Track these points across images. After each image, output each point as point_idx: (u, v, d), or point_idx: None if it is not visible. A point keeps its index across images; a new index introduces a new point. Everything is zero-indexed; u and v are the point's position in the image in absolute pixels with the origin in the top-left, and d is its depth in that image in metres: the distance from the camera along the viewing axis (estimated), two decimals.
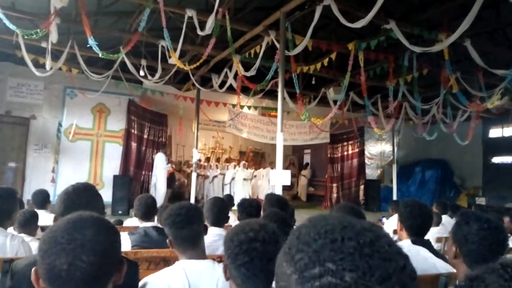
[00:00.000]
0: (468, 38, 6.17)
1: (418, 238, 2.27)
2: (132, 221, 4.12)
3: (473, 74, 7.88)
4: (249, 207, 2.91)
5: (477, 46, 6.35)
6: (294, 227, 3.04)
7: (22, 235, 2.84)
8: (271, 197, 3.29)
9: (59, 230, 0.92)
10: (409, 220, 2.30)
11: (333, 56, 7.33)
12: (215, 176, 12.00)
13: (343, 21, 5.30)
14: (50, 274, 0.87)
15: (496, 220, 1.64)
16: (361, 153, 12.60)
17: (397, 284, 0.47)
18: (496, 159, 12.30)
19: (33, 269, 0.91)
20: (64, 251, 0.88)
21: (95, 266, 0.89)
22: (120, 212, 8.87)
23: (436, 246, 3.97)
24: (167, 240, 1.78)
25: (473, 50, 6.22)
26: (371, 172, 13.08)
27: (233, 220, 3.46)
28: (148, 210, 3.00)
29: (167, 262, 2.31)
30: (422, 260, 2.11)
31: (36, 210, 3.50)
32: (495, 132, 12.45)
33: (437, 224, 4.52)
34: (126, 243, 2.66)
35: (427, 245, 2.33)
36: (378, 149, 13.34)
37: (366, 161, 12.89)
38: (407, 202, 2.41)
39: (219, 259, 2.06)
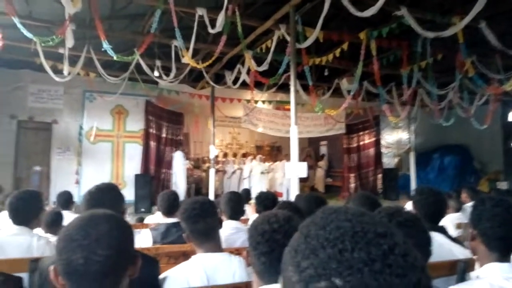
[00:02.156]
0: (483, 20, 6.04)
1: (433, 224, 2.27)
2: (153, 218, 4.24)
3: (490, 57, 7.70)
4: (266, 199, 2.99)
5: (493, 28, 6.18)
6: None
7: (48, 235, 2.98)
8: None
9: (74, 227, 0.97)
10: (424, 208, 2.31)
11: (345, 46, 7.28)
12: (233, 172, 12.12)
13: (352, 10, 5.27)
14: (67, 269, 0.92)
15: (509, 199, 1.65)
16: (378, 142, 12.49)
17: None
18: None
19: (50, 267, 0.96)
20: (80, 246, 0.93)
21: (110, 260, 0.94)
22: (142, 209, 9.08)
23: (456, 232, 3.95)
24: (183, 235, 1.84)
25: (488, 32, 6.07)
26: (389, 161, 12.96)
27: (249, 213, 3.55)
28: (170, 206, 3.02)
29: (187, 256, 2.39)
30: (438, 246, 2.06)
31: (61, 210, 3.66)
32: None
33: (457, 211, 4.48)
34: (148, 239, 2.74)
35: (442, 231, 2.35)
36: (395, 137, 13.19)
37: (383, 150, 12.77)
38: (422, 190, 2.42)
39: (236, 252, 2.10)
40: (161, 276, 1.69)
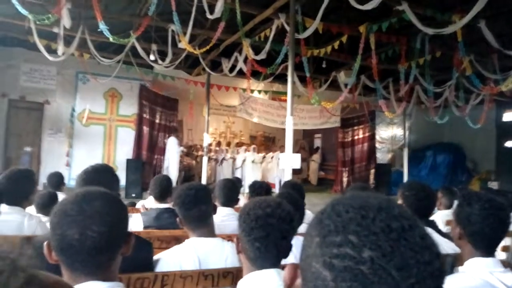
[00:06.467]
0: (483, 19, 6.03)
1: (423, 219, 2.28)
2: (145, 203, 4.21)
3: (487, 56, 7.71)
4: (260, 188, 2.99)
5: (492, 28, 6.19)
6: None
7: (40, 215, 2.95)
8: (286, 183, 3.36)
9: (69, 203, 0.97)
10: (414, 203, 2.31)
11: (344, 39, 7.23)
12: (224, 159, 12.07)
13: (353, 3, 5.23)
14: (62, 244, 0.92)
15: (496, 198, 1.64)
16: (372, 137, 12.53)
17: (416, 276, 0.45)
18: (509, 143, 12.10)
19: (45, 243, 0.96)
20: (75, 222, 0.93)
21: (105, 236, 0.94)
22: (133, 195, 9.05)
23: (446, 228, 3.98)
24: (177, 219, 1.83)
25: (487, 32, 6.08)
26: (382, 156, 13.03)
27: (242, 202, 3.54)
28: (163, 191, 2.93)
29: (178, 240, 2.38)
30: None
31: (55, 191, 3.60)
32: (509, 116, 12.19)
33: (447, 208, 4.51)
34: (138, 224, 2.71)
35: (432, 225, 2.36)
36: (389, 133, 13.25)
37: (377, 145, 12.83)
38: (411, 185, 2.41)
39: (228, 238, 2.12)
40: (154, 258, 1.70)
